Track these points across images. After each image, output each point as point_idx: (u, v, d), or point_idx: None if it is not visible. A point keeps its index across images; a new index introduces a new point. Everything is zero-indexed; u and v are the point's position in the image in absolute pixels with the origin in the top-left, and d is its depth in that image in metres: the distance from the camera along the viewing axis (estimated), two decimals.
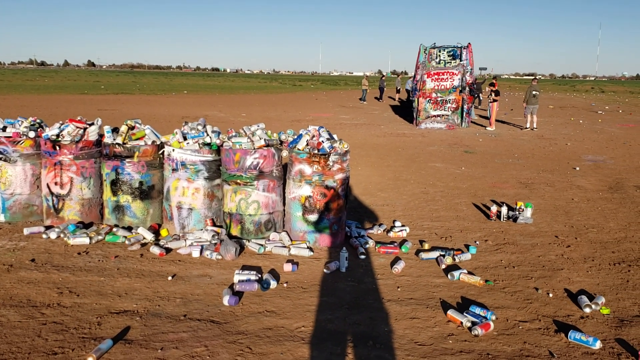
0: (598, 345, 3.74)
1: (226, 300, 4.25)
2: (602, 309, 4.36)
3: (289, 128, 6.23)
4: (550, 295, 4.66)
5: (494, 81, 20.86)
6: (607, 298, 4.59)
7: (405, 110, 25.52)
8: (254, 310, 4.20)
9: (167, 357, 3.46)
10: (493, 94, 19.20)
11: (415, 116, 19.90)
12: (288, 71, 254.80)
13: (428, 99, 19.25)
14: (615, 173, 10.63)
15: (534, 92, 18.55)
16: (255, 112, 24.01)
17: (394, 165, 11.13)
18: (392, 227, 6.47)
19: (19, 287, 4.50)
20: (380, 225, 6.54)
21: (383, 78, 38.15)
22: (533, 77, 21.03)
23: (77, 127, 6.20)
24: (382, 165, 11.18)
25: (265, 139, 5.81)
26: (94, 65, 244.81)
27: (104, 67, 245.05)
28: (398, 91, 35.50)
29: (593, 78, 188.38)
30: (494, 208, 7.06)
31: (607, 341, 3.85)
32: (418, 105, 19.53)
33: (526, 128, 18.80)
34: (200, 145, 5.86)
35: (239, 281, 4.63)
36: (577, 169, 11.02)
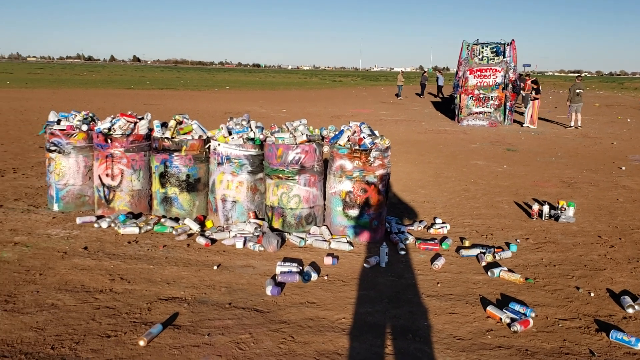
0: None
1: (269, 290, 4.39)
2: None
3: (329, 124, 6.36)
4: (592, 294, 4.63)
5: (527, 78, 20.50)
6: None
7: (446, 106, 25.28)
8: (296, 300, 4.32)
9: (214, 342, 3.61)
10: (534, 92, 18.86)
11: (456, 113, 19.75)
12: (328, 67, 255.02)
13: (470, 95, 19.06)
14: None
15: (577, 90, 18.15)
16: (295, 108, 24.22)
17: (435, 162, 11.11)
18: (433, 223, 6.51)
19: (73, 273, 4.74)
20: (420, 221, 6.58)
21: (425, 74, 37.87)
22: (577, 75, 20.57)
23: (128, 121, 6.44)
24: (423, 161, 11.18)
25: (307, 135, 5.93)
26: (139, 60, 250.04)
27: (149, 62, 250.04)
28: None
29: None
30: (535, 207, 7.01)
31: None
32: (460, 102, 19.36)
33: (570, 126, 18.41)
34: (245, 140, 6.02)
35: (281, 272, 4.76)
36: (623, 168, 10.78)
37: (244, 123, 6.29)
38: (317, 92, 40.77)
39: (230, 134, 6.12)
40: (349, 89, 47.26)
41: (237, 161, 5.96)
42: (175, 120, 6.35)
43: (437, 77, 35.17)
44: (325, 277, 4.84)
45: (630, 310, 4.30)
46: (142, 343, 3.53)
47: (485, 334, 3.89)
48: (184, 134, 6.29)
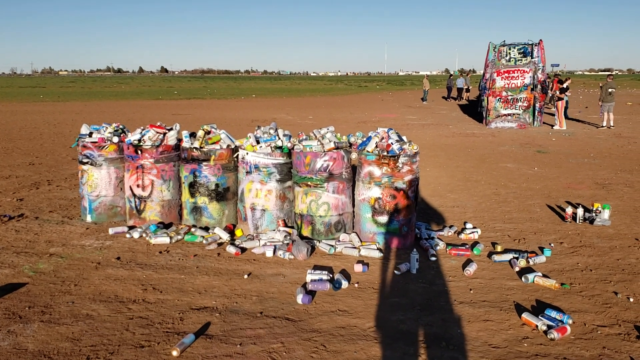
0: None
1: (300, 298, 4.38)
2: None
3: (355, 130, 6.34)
4: (631, 299, 4.50)
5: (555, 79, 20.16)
6: None
7: (473, 109, 25.00)
8: (327, 309, 4.30)
9: (246, 352, 3.61)
10: (558, 92, 18.53)
11: (484, 115, 19.53)
12: (353, 72, 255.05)
13: (498, 97, 18.83)
14: None
15: (609, 90, 17.75)
16: (322, 114, 24.26)
17: (464, 166, 10.99)
18: (463, 229, 6.43)
19: (107, 283, 4.80)
20: (450, 227, 6.50)
21: (451, 77, 37.60)
22: (609, 74, 20.15)
23: (157, 132, 6.53)
24: (451, 165, 11.06)
25: (334, 142, 5.92)
26: (166, 71, 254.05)
27: (176, 72, 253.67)
28: (468, 90, 34.90)
29: None
30: (569, 210, 6.86)
31: None
32: (487, 104, 19.14)
33: (602, 126, 18.02)
34: (272, 149, 6.03)
35: (312, 280, 4.75)
36: None
37: (272, 131, 6.31)
38: (343, 98, 40.79)
39: (258, 142, 6.14)
40: (375, 94, 47.17)
41: (266, 170, 5.98)
42: (203, 130, 6.41)
43: (457, 80, 35.12)
44: (356, 285, 4.81)
45: None
46: (175, 353, 3.55)
47: (521, 341, 3.81)
48: (212, 143, 6.34)
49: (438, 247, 5.79)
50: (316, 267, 5.18)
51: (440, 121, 21.35)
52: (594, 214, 6.79)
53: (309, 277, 4.80)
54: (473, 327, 4.02)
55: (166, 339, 3.78)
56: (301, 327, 3.99)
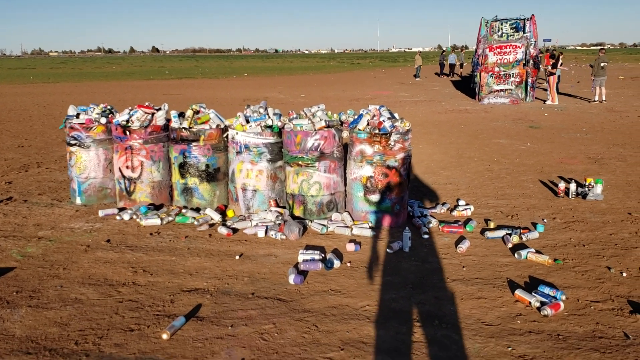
0: None
1: (292, 279, 4.35)
2: None
3: (348, 107, 6.26)
4: (624, 274, 4.49)
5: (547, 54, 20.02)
6: None
7: (466, 85, 24.86)
8: (319, 289, 4.27)
9: (237, 333, 3.58)
10: (550, 67, 18.42)
11: (477, 91, 19.43)
12: (346, 50, 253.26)
13: (490, 73, 18.71)
14: None
15: (602, 64, 17.65)
16: (314, 92, 24.09)
17: (457, 143, 10.94)
18: (456, 206, 6.40)
19: (96, 266, 4.74)
20: (443, 204, 6.47)
21: (443, 53, 37.38)
22: (600, 48, 20.02)
23: (146, 113, 6.42)
24: (444, 142, 11.01)
25: (325, 120, 5.84)
26: (157, 51, 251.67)
27: (167, 52, 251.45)
28: (462, 66, 34.75)
29: None
30: (561, 185, 6.83)
31: None
32: (480, 80, 19.03)
33: (594, 101, 17.97)
34: (262, 128, 5.95)
35: (304, 260, 4.71)
36: None
37: (262, 110, 6.22)
38: (336, 75, 40.51)
39: (247, 122, 6.05)
40: (367, 71, 46.86)
41: (256, 149, 5.90)
42: (192, 109, 6.30)
43: (449, 56, 34.95)
44: (348, 264, 4.78)
45: None
46: (165, 336, 3.51)
47: (514, 318, 3.79)
48: (202, 123, 6.24)
49: (431, 225, 5.75)
50: (308, 247, 5.14)
51: (433, 98, 21.23)
52: (586, 189, 6.77)
53: (300, 257, 4.76)
54: (466, 305, 4.00)
55: (156, 322, 3.74)
56: (293, 307, 3.96)
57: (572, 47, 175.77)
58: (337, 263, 4.71)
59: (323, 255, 4.86)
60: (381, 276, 4.53)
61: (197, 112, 6.38)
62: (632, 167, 8.43)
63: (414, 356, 3.32)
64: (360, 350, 3.37)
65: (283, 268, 4.67)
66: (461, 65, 34.78)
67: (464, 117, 15.24)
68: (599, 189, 6.73)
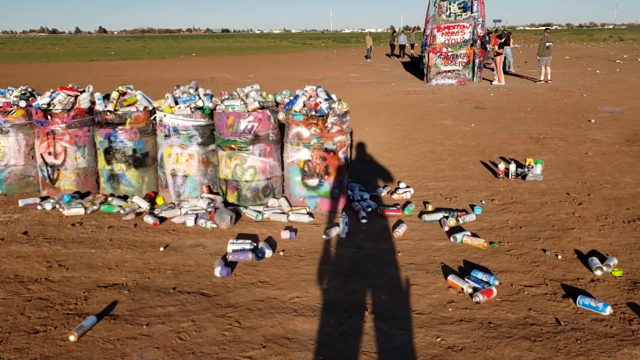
0: (608, 311, 3.52)
1: (218, 271, 4.10)
2: (614, 270, 4.13)
3: (297, 88, 5.95)
4: (559, 257, 4.43)
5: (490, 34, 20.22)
6: (620, 259, 4.34)
7: (416, 66, 24.86)
8: (247, 281, 4.04)
9: (153, 333, 3.32)
10: (496, 47, 18.56)
11: (425, 72, 19.41)
12: (299, 30, 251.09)
13: (438, 54, 18.69)
14: (633, 124, 10.22)
15: (547, 44, 17.88)
16: (263, 73, 23.65)
17: (403, 124, 10.83)
18: (397, 188, 6.26)
19: (7, 261, 4.38)
20: (384, 187, 6.32)
21: (394, 34, 37.37)
22: (545, 28, 20.28)
23: (68, 95, 6.01)
24: (391, 124, 10.88)
25: (259, 101, 5.57)
26: (105, 31, 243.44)
27: (115, 33, 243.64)
28: (413, 47, 34.86)
29: (612, 26, 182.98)
30: (501, 165, 6.78)
31: (619, 306, 3.64)
32: (428, 61, 18.99)
33: (540, 80, 18.22)
34: (192, 110, 5.63)
35: (233, 251, 4.46)
36: (593, 121, 10.63)
37: (192, 91, 5.89)
38: (287, 56, 39.96)
39: (177, 103, 5.72)
40: (319, 51, 46.42)
41: (186, 132, 5.58)
42: (117, 91, 5.92)
43: (399, 37, 35.02)
44: (281, 253, 4.56)
45: (598, 273, 4.11)
46: (72, 338, 3.22)
47: (445, 306, 3.66)
48: (128, 105, 5.87)
49: (370, 209, 5.59)
50: (240, 236, 4.89)
51: (382, 79, 21.13)
52: (526, 170, 6.74)
53: (230, 247, 4.52)
54: (398, 293, 3.85)
55: (65, 322, 3.44)
56: (216, 302, 3.72)
57: (522, 28, 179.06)
58: (268, 252, 4.48)
59: (255, 244, 4.62)
60: (314, 265, 4.33)
61: (124, 93, 6.00)
62: (573, 146, 8.49)
63: (339, 351, 3.15)
64: (283, 347, 3.17)
65: (210, 259, 4.41)
66: (412, 46, 34.90)
67: (412, 98, 15.17)
68: (538, 169, 6.71)
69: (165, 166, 5.72)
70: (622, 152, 8.03)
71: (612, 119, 10.87)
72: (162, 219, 5.30)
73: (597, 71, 21.87)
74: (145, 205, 5.57)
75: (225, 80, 20.07)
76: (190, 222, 5.16)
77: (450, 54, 18.57)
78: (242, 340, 3.25)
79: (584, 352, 3.10)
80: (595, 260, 4.24)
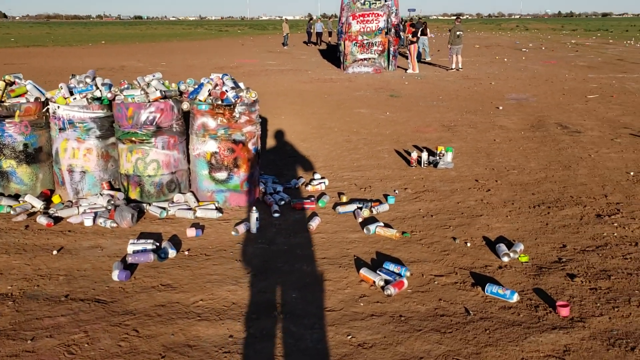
0: (515, 298, 3.54)
1: (115, 275, 3.79)
2: (520, 256, 4.20)
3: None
4: (469, 244, 4.46)
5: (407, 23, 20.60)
6: (526, 244, 4.43)
7: (333, 54, 24.89)
8: (147, 284, 3.76)
9: (38, 348, 3.00)
10: (410, 36, 18.90)
11: (342, 60, 19.42)
12: (215, 17, 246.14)
13: (354, 42, 18.74)
14: (537, 111, 10.64)
15: (458, 33, 18.38)
16: (176, 60, 22.87)
17: (319, 113, 10.72)
18: (312, 179, 6.13)
19: None
20: (299, 178, 6.17)
21: (310, 22, 37.29)
22: (456, 17, 20.85)
23: None
24: (307, 113, 10.75)
25: (161, 90, 5.25)
26: (5, 16, 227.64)
27: (17, 18, 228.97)
28: (330, 34, 34.95)
29: (518, 16, 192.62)
30: (414, 154, 6.81)
31: (525, 292, 3.68)
32: (344, 48, 19.01)
33: (452, 69, 18.71)
34: (89, 101, 5.23)
35: (133, 252, 4.16)
36: (501, 108, 10.97)
37: (88, 80, 5.46)
38: (202, 43, 38.93)
39: (72, 94, 5.29)
40: (236, 38, 45.59)
41: (82, 125, 5.17)
42: (4, 81, 5.40)
43: (316, 25, 35.08)
44: (186, 253, 4.30)
45: (505, 259, 4.16)
46: None
47: (357, 301, 3.56)
48: (17, 96, 5.37)
49: (283, 202, 5.43)
50: (142, 235, 4.58)
51: (299, 66, 20.97)
52: (437, 157, 6.80)
53: (130, 248, 4.21)
54: (309, 290, 3.72)
55: None
56: (113, 309, 3.43)
57: (435, 17, 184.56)
58: (172, 252, 4.21)
59: (157, 244, 4.34)
60: (222, 264, 4.12)
61: (12, 83, 5.50)
62: (481, 133, 8.70)
63: (246, 357, 2.97)
64: (184, 355, 2.95)
65: (109, 262, 4.09)
66: (329, 34, 34.96)
67: (329, 86, 15.11)
68: (449, 157, 6.79)
69: (61, 162, 5.28)
70: (527, 138, 8.31)
71: (518, 106, 11.28)
72: (58, 219, 4.89)
73: (505, 59, 22.75)
74: (38, 205, 5.12)
75: (136, 68, 19.21)
76: (88, 222, 4.78)
77: (365, 42, 18.67)
78: (139, 350, 2.99)
79: (493, 342, 3.09)
80: (502, 247, 4.29)
